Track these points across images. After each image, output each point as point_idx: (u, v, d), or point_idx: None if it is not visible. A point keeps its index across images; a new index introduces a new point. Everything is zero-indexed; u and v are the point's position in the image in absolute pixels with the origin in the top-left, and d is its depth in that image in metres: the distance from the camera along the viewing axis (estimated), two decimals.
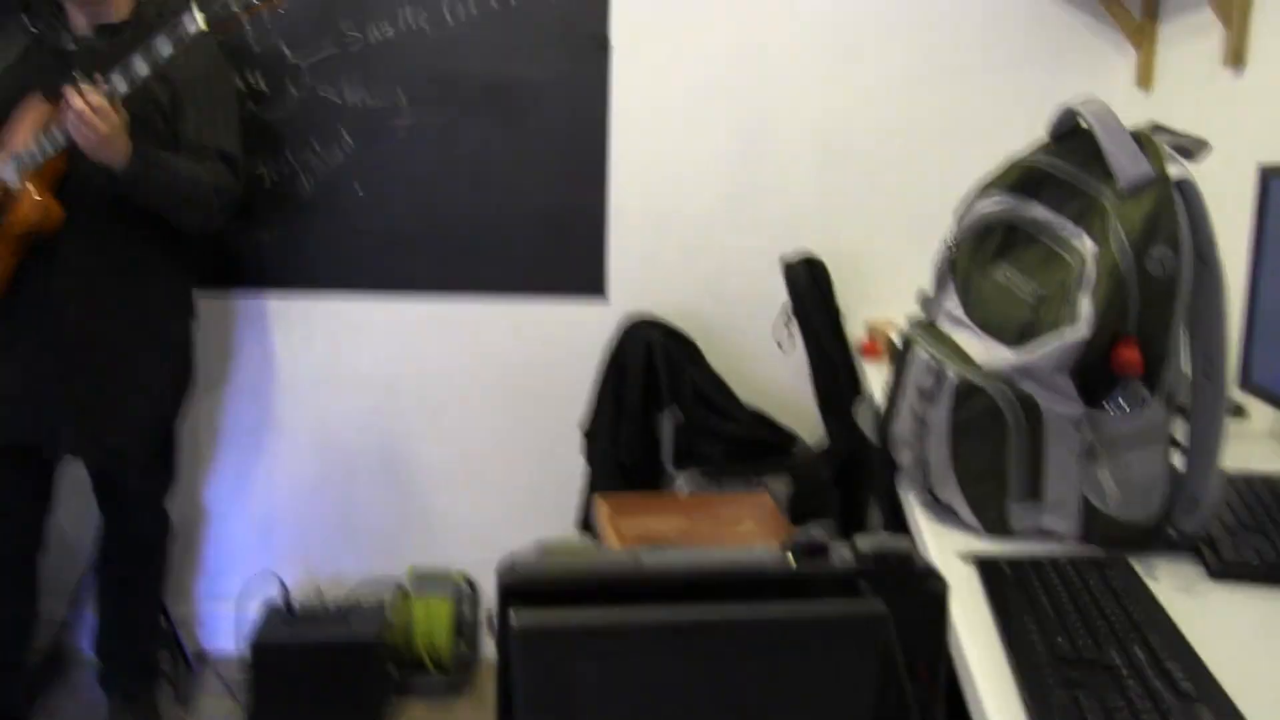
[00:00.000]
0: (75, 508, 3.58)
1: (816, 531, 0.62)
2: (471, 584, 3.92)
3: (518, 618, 0.45)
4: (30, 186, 2.90)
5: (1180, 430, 1.74)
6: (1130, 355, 1.66)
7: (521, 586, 0.47)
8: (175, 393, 3.35)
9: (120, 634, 3.42)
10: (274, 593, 3.64)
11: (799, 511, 3.48)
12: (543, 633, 0.44)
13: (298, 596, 3.69)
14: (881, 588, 0.50)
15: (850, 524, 3.24)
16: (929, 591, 0.51)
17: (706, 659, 0.45)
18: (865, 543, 0.51)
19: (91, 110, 2.73)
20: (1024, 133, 1.96)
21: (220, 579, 3.95)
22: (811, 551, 0.52)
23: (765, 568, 0.50)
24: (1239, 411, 2.57)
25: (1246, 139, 2.68)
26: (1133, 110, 1.74)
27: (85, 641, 3.60)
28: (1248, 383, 2.33)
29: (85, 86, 2.74)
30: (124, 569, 3.39)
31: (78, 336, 3.01)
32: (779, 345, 3.49)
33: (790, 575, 0.50)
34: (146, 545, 3.42)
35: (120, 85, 2.78)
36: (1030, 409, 1.70)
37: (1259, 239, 2.32)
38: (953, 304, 1.89)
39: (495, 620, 0.46)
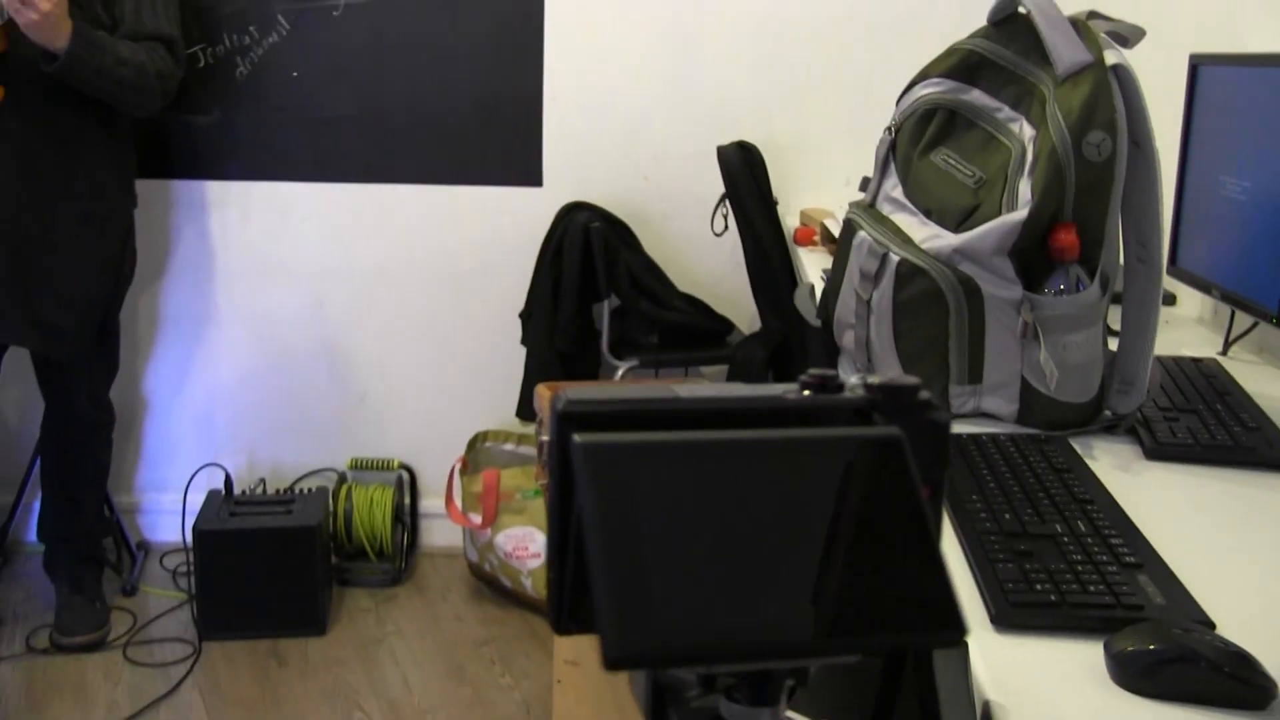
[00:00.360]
0: (18, 395, 3.54)
1: (830, 370, 0.64)
2: (411, 472, 3.90)
3: (582, 438, 0.47)
4: None
5: (1114, 316, 1.73)
6: (1068, 239, 1.65)
7: (578, 416, 0.49)
8: (114, 275, 3.29)
9: (65, 520, 3.41)
10: (217, 483, 3.60)
11: None
12: (606, 448, 0.47)
13: (240, 486, 3.67)
14: (891, 418, 0.53)
15: None
16: (934, 420, 0.54)
17: (749, 475, 0.48)
18: (876, 377, 0.54)
19: None
20: (961, 25, 1.93)
21: (163, 469, 3.90)
22: (825, 386, 0.54)
23: (786, 400, 0.53)
24: (1170, 300, 2.58)
25: (1177, 30, 2.67)
26: (1071, 3, 1.72)
27: (31, 531, 3.57)
28: (1175, 267, 2.34)
29: None
30: (68, 454, 3.37)
31: (14, 213, 2.98)
32: (714, 232, 3.46)
33: (810, 405, 0.53)
34: (89, 431, 3.38)
35: None
36: (971, 291, 1.69)
37: (1187, 126, 2.32)
38: (894, 187, 1.87)
39: (551, 450, 0.49)
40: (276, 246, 3.78)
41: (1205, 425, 1.69)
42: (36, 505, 3.53)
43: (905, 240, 1.77)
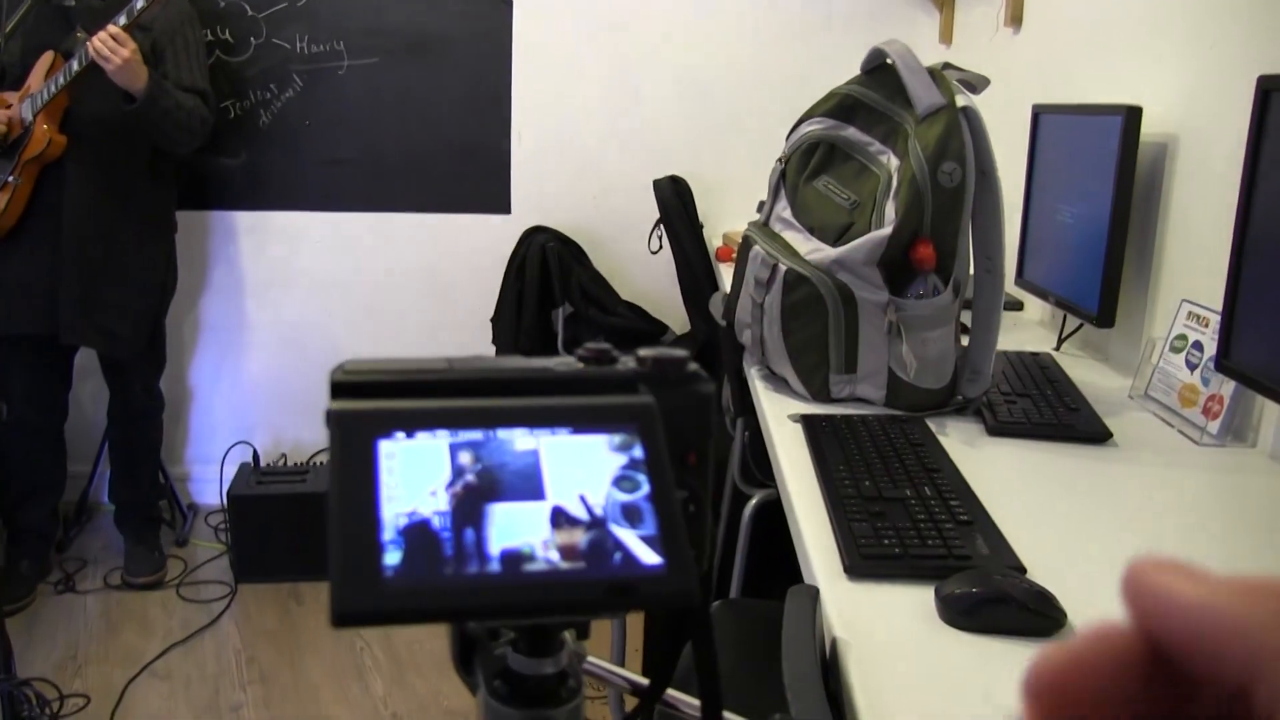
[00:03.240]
0: (92, 388, 3.53)
1: (605, 344, 0.58)
2: None
3: (335, 405, 0.41)
4: (41, 121, 2.90)
5: (966, 317, 1.71)
6: (926, 252, 1.63)
7: (347, 385, 0.44)
8: (161, 291, 3.32)
9: (128, 486, 3.44)
10: (247, 457, 3.63)
11: None
12: (356, 415, 0.41)
13: (266, 459, 3.70)
14: (658, 388, 0.47)
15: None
16: (698, 391, 0.48)
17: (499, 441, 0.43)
18: (646, 351, 0.48)
19: (113, 37, 2.73)
20: (844, 77, 1.91)
21: (205, 445, 3.88)
22: (600, 359, 0.49)
23: (556, 370, 0.47)
24: (1017, 305, 2.56)
25: (1023, 84, 2.66)
26: (937, 60, 1.70)
27: (105, 494, 3.57)
28: (1021, 279, 2.32)
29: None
30: (128, 434, 3.41)
31: (80, 243, 3.00)
32: (651, 251, 3.44)
33: (578, 375, 0.47)
34: (144, 416, 3.41)
35: (123, 21, 2.76)
36: (846, 296, 1.66)
37: (1031, 163, 2.30)
38: (784, 209, 1.84)
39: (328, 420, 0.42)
40: (293, 265, 3.75)
41: (1037, 407, 1.66)
42: (106, 472, 3.53)
43: (792, 253, 1.74)
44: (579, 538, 0.42)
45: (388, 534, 0.41)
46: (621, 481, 0.44)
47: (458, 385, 0.46)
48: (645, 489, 0.44)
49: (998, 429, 1.60)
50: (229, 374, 3.85)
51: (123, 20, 2.74)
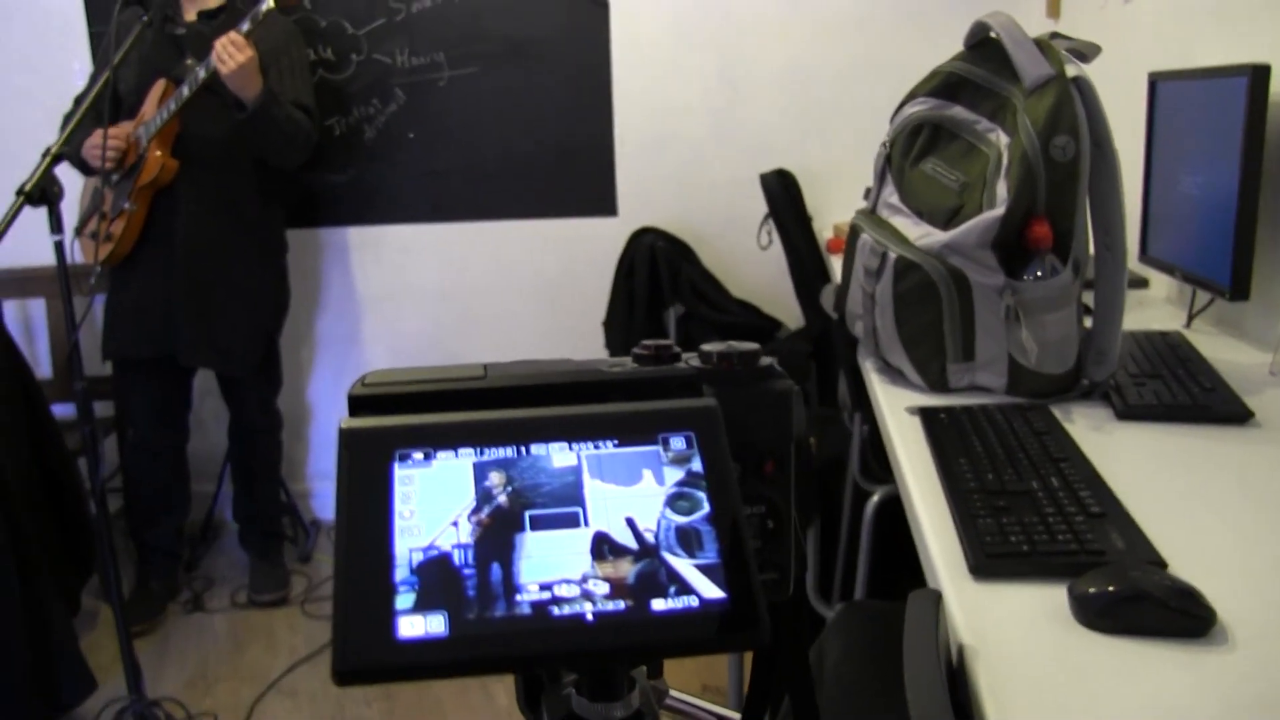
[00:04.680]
0: (214, 407, 3.57)
1: (666, 340, 0.52)
2: None
3: (347, 423, 0.35)
4: (154, 147, 2.97)
5: (1088, 298, 1.62)
6: (1041, 231, 1.56)
7: (368, 400, 0.38)
8: (275, 310, 3.37)
9: (250, 504, 3.48)
10: None
11: None
12: (366, 434, 0.35)
13: None
14: (727, 387, 0.40)
15: (826, 391, 3.16)
16: (774, 389, 0.41)
17: (532, 457, 0.36)
18: (712, 346, 0.41)
19: (232, 43, 2.77)
20: (946, 55, 1.83)
21: (326, 461, 3.92)
22: (659, 357, 0.41)
23: (607, 373, 0.40)
24: (1142, 282, 2.44)
25: (1137, 53, 2.54)
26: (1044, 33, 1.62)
27: (230, 512, 3.62)
28: (1145, 255, 2.21)
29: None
30: (248, 453, 3.45)
31: (194, 266, 3.06)
32: (760, 246, 3.38)
33: (631, 378, 0.40)
34: (263, 433, 3.45)
35: (246, 27, 2.81)
36: (960, 280, 1.59)
37: (1150, 134, 2.19)
38: (891, 194, 1.77)
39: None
40: (404, 278, 3.77)
41: (1169, 388, 1.57)
42: (229, 491, 3.58)
43: (901, 239, 1.67)
44: (626, 570, 0.36)
45: (400, 573, 0.35)
46: (677, 501, 0.37)
47: (490, 395, 0.40)
48: (705, 509, 0.37)
49: (1128, 413, 1.52)
50: (345, 386, 3.86)
51: (246, 26, 2.79)
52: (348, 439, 0.38)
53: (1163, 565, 1.03)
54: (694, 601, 0.35)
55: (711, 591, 0.36)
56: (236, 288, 3.15)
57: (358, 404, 0.40)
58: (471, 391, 0.41)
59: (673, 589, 0.36)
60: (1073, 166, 1.53)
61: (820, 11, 3.57)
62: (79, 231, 3.05)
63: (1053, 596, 1.00)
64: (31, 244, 2.92)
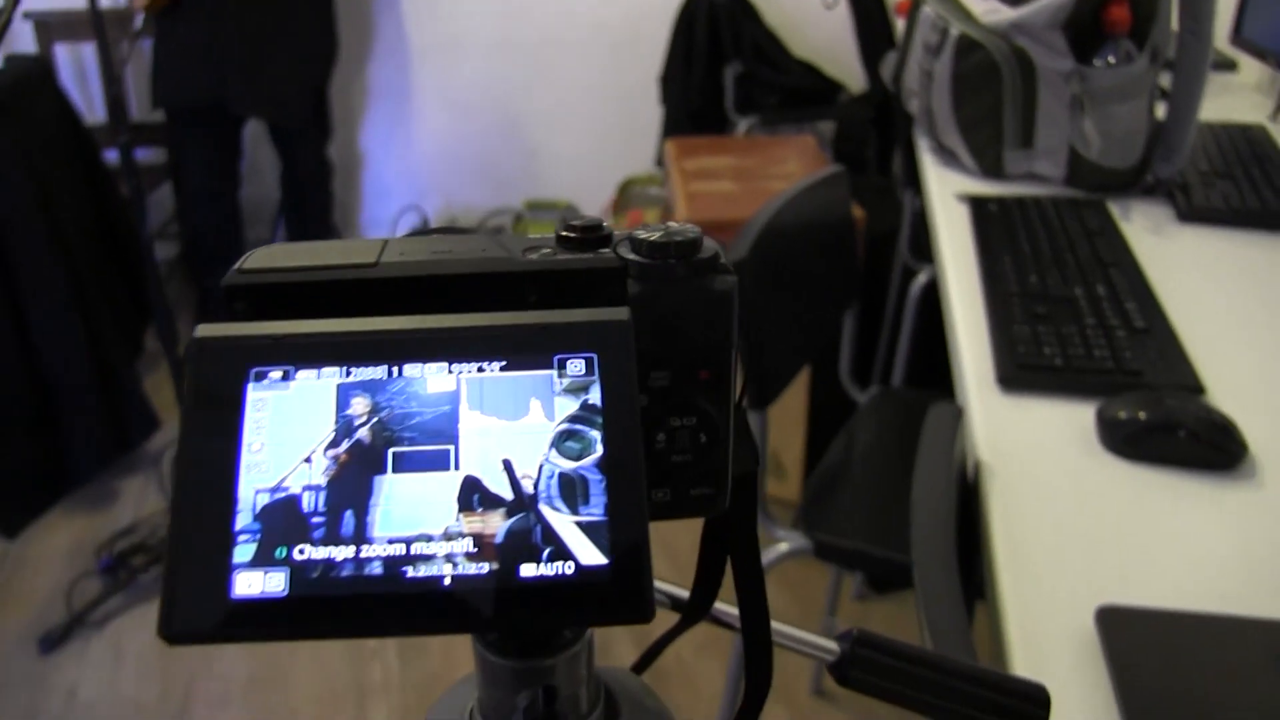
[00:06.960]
0: (269, 155, 3.50)
1: (593, 217, 0.45)
2: (574, 209, 3.81)
3: (201, 330, 0.30)
4: None
5: (1167, 82, 1.51)
6: (1119, 13, 1.45)
7: (245, 290, 0.32)
8: (323, 58, 3.30)
9: None
10: (418, 221, 3.65)
11: (841, 151, 3.30)
12: (218, 346, 0.30)
13: (436, 223, 3.68)
14: (657, 283, 0.33)
15: (884, 161, 3.05)
16: (713, 288, 0.33)
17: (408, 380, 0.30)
18: (646, 232, 0.34)
19: None
20: None
21: (377, 209, 3.90)
22: (584, 241, 0.35)
23: (518, 263, 0.34)
24: (1230, 65, 2.27)
25: None
26: None
27: None
28: (1239, 36, 2.05)
29: None
30: (300, 201, 3.45)
31: (242, 11, 2.97)
32: (825, 5, 3.21)
33: (549, 269, 0.34)
34: (314, 182, 3.43)
35: None
36: (1025, 63, 1.49)
37: None
38: None
39: None
40: (459, 26, 3.63)
41: (1240, 190, 1.47)
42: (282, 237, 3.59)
43: (965, 15, 1.56)
44: (496, 526, 0.30)
45: (242, 518, 0.30)
46: (565, 441, 0.31)
47: (380, 288, 0.34)
48: (597, 452, 0.31)
49: (1191, 214, 1.43)
50: (399, 139, 3.82)
51: None
52: (196, 351, 0.33)
53: (1199, 391, 0.98)
54: (569, 568, 0.30)
55: (591, 556, 0.30)
56: (285, 36, 3.08)
57: (233, 294, 0.34)
58: (358, 282, 0.35)
59: (547, 551, 0.30)
60: None
61: None
62: None
63: (1080, 416, 0.95)
64: None
